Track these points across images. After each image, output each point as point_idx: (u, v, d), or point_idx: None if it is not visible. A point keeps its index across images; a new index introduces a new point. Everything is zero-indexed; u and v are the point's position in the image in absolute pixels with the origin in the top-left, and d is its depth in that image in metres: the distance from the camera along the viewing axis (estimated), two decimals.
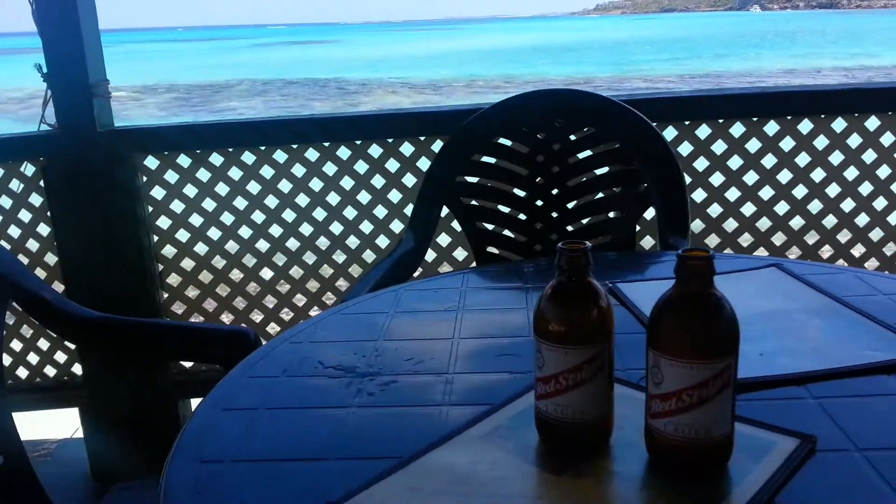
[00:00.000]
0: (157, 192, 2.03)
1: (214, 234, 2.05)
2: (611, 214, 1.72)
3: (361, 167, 2.00)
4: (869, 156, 1.95)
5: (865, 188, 1.98)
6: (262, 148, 1.98)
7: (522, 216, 1.75)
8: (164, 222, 2.07)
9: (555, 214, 1.73)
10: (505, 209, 1.74)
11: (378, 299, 1.18)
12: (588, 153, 1.70)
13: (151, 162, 2.03)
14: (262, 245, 2.05)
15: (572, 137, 1.70)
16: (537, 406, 0.72)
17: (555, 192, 1.72)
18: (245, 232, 2.04)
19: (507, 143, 1.74)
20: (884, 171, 1.96)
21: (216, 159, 2.00)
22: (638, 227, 1.85)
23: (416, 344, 1.00)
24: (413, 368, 0.92)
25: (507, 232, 1.76)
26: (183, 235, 2.06)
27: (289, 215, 2.03)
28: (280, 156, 1.98)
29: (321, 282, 2.09)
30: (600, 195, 1.71)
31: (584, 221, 1.73)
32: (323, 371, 0.93)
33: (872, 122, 1.93)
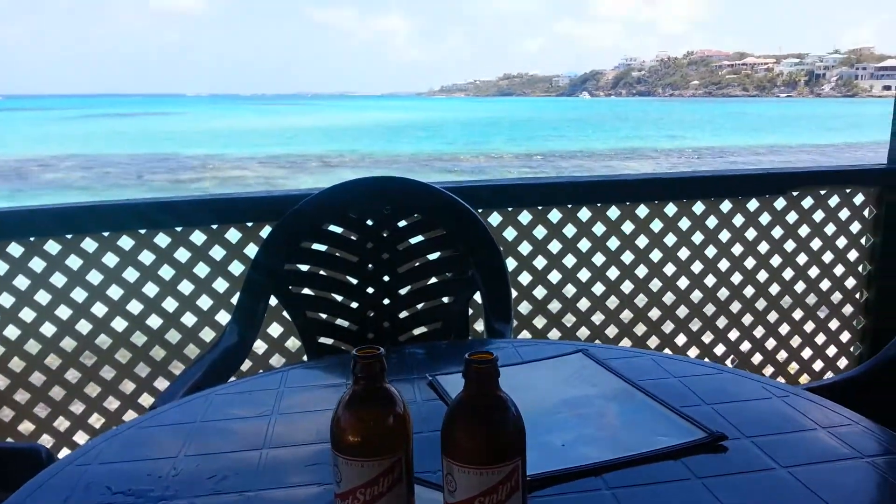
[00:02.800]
0: None
1: (12, 332, 1.84)
2: (444, 300, 1.76)
3: (183, 255, 1.89)
4: (670, 239, 2.16)
5: (669, 269, 2.18)
6: (69, 237, 1.82)
7: (354, 304, 1.73)
8: None
9: (387, 301, 1.73)
10: (336, 297, 1.72)
11: (184, 407, 1.09)
12: (417, 239, 1.74)
13: None
14: (68, 343, 1.86)
15: (401, 224, 1.73)
16: None
17: (386, 278, 1.73)
18: (48, 329, 1.85)
19: (338, 229, 1.73)
20: (684, 253, 2.17)
21: (14, 249, 1.81)
22: (472, 311, 1.90)
23: (221, 458, 0.94)
24: (214, 488, 0.85)
25: (339, 321, 1.73)
26: None
27: (99, 309, 1.86)
28: (89, 244, 1.83)
29: (137, 382, 1.92)
30: (431, 281, 1.74)
31: (417, 307, 1.74)
32: (110, 498, 0.84)
33: (671, 209, 2.15)
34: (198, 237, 1.90)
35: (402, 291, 1.73)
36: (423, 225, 1.73)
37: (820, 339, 2.29)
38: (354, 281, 1.72)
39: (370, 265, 1.72)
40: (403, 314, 1.75)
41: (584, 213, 2.10)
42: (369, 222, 1.73)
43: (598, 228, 2.11)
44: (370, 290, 1.72)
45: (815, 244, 2.22)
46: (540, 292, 2.12)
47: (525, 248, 2.09)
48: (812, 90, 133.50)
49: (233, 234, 1.92)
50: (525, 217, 2.08)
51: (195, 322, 1.92)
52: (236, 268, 1.93)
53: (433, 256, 1.75)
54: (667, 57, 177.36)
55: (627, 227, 2.12)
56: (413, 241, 1.73)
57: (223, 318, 1.92)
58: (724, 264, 2.19)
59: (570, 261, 2.11)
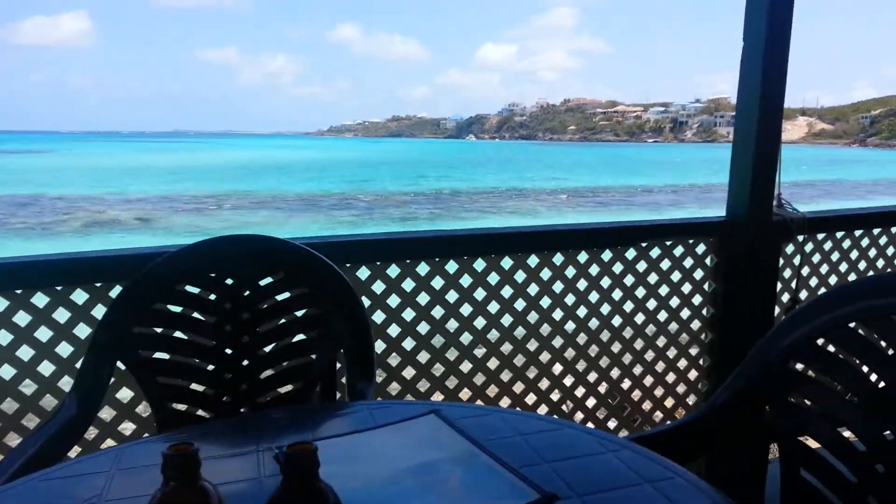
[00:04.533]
0: None
1: None
2: (309, 358, 1.73)
3: (23, 318, 1.75)
4: (533, 289, 2.25)
5: (533, 317, 2.26)
6: None
7: (210, 367, 1.67)
8: None
9: (246, 363, 1.68)
10: (190, 361, 1.65)
11: (1, 498, 1.00)
12: (279, 297, 1.71)
13: None
14: None
15: (263, 282, 1.70)
16: None
17: (245, 339, 1.68)
18: None
19: (194, 289, 1.68)
20: (545, 302, 2.27)
21: None
22: (340, 366, 1.87)
23: None
24: None
25: (193, 385, 1.66)
26: None
27: None
28: None
29: None
30: (294, 340, 1.71)
31: (283, 365, 1.70)
32: None
33: (533, 260, 2.24)
34: (39, 299, 1.77)
35: (265, 350, 1.70)
36: (286, 282, 1.70)
37: (670, 377, 2.45)
38: (211, 343, 1.66)
39: (228, 325, 1.67)
40: (266, 374, 1.70)
41: (452, 266, 2.15)
42: (229, 281, 1.68)
43: (466, 280, 2.16)
44: (228, 350, 1.67)
45: (664, 290, 2.38)
46: (409, 343, 2.13)
47: (394, 300, 2.10)
48: (676, 136, 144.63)
49: (79, 295, 1.80)
50: (393, 270, 2.10)
51: (35, 390, 1.78)
52: (82, 331, 1.81)
53: (296, 315, 1.72)
54: (546, 104, 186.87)
55: (493, 278, 2.19)
56: (277, 298, 1.70)
57: (68, 385, 1.79)
58: (581, 311, 2.30)
59: (438, 312, 2.14)
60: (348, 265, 2.02)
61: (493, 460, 1.06)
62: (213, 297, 1.68)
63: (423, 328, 2.14)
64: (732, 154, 2.40)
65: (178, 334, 1.64)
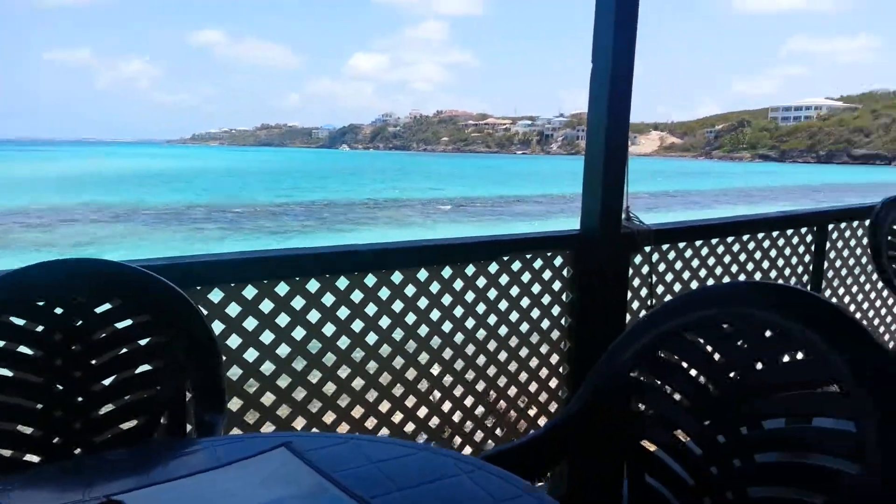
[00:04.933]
0: None
1: None
2: (151, 390, 1.60)
3: None
4: (398, 305, 2.23)
5: (398, 334, 2.24)
6: None
7: (39, 406, 1.51)
8: None
9: (81, 399, 1.53)
10: (14, 401, 1.48)
11: None
12: (118, 326, 1.58)
13: None
14: None
15: (98, 310, 1.56)
16: None
17: (78, 374, 1.53)
18: None
19: (19, 321, 1.51)
20: (410, 318, 2.26)
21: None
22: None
23: None
24: None
25: (19, 427, 1.49)
26: None
27: None
28: None
29: None
30: (136, 371, 1.59)
31: (123, 399, 1.57)
32: None
33: (397, 276, 2.23)
34: None
35: (103, 384, 1.56)
36: (124, 309, 1.58)
37: (532, 387, 2.52)
38: (39, 379, 1.50)
39: (59, 359, 1.52)
40: (104, 410, 1.57)
41: (314, 284, 2.08)
42: (58, 310, 1.53)
43: (328, 299, 2.11)
44: (59, 387, 1.52)
45: (525, 302, 2.45)
46: (268, 368, 2.05)
47: (251, 323, 2.01)
48: (543, 148, 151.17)
49: None
50: (250, 291, 2.01)
51: None
52: None
53: (140, 343, 1.60)
54: (419, 115, 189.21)
55: (357, 296, 2.15)
56: (116, 326, 1.57)
57: None
58: (447, 326, 2.31)
59: (299, 333, 2.07)
60: (199, 288, 1.90)
61: (343, 493, 1.02)
62: (40, 328, 1.52)
63: (283, 350, 2.06)
64: (585, 170, 2.52)
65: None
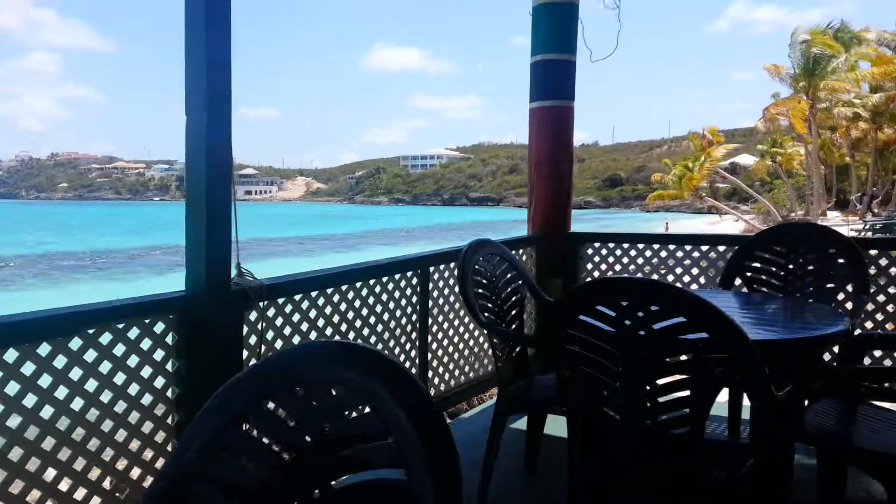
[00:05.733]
0: None
1: None
2: None
3: None
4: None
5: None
6: None
7: None
8: None
9: None
10: None
11: None
12: None
13: None
14: None
15: None
16: None
17: None
18: None
19: None
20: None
21: None
22: None
23: None
24: None
25: None
26: None
27: None
28: None
29: None
30: None
31: None
32: None
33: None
34: None
35: None
36: None
37: (135, 473, 2.23)
38: None
39: None
40: None
41: None
42: None
43: None
44: None
45: (120, 378, 2.17)
46: None
47: None
48: (184, 194, 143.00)
49: None
50: None
51: None
52: None
53: None
54: (29, 157, 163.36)
55: None
56: None
57: None
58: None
59: None
60: None
61: None
62: None
63: None
64: (187, 226, 2.36)
65: None
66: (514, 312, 3.43)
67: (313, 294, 2.97)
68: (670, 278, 4.31)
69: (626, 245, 4.49)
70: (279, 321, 2.79)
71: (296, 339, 2.88)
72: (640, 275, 4.43)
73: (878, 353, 3.68)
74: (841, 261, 3.36)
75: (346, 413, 1.24)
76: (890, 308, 3.73)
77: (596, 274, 4.58)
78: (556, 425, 3.29)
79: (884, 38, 32.07)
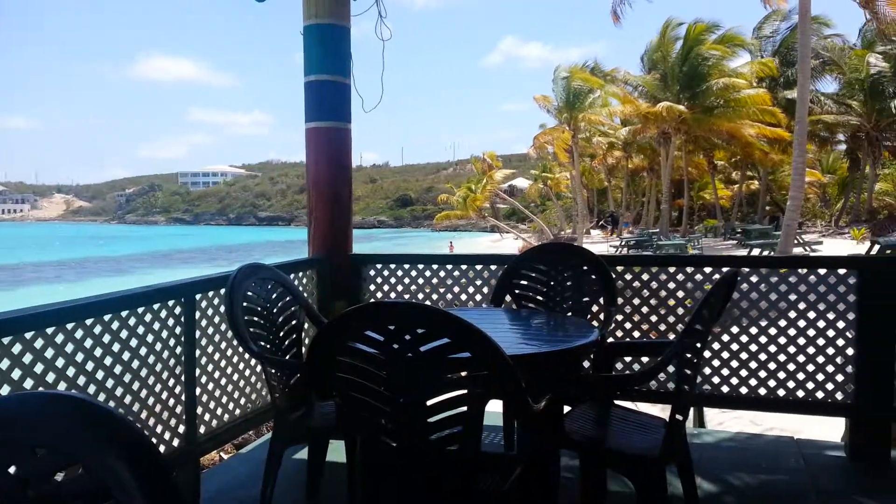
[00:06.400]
0: None
1: None
2: None
3: None
4: None
5: None
6: None
7: None
8: None
9: None
10: None
11: None
12: None
13: None
14: None
15: None
16: None
17: None
18: None
19: None
20: None
21: None
22: None
23: None
24: None
25: None
26: None
27: None
28: None
29: None
30: None
31: None
32: None
33: None
34: None
35: None
36: None
37: None
38: None
39: None
40: None
41: None
42: None
43: None
44: None
45: None
46: None
47: None
48: None
49: None
50: None
51: None
52: None
53: None
54: None
55: None
56: None
57: None
58: None
59: None
60: None
61: None
62: None
63: None
64: None
65: None
66: (292, 338, 3.29)
67: (49, 331, 2.57)
68: (449, 297, 4.44)
69: (406, 266, 4.54)
70: (4, 364, 2.37)
71: (28, 384, 2.47)
72: (421, 294, 4.51)
73: (628, 359, 4.09)
74: (593, 276, 3.70)
75: (53, 475, 1.05)
76: (636, 318, 4.18)
77: (379, 295, 4.58)
78: (339, 451, 3.19)
79: (629, 78, 36.81)
